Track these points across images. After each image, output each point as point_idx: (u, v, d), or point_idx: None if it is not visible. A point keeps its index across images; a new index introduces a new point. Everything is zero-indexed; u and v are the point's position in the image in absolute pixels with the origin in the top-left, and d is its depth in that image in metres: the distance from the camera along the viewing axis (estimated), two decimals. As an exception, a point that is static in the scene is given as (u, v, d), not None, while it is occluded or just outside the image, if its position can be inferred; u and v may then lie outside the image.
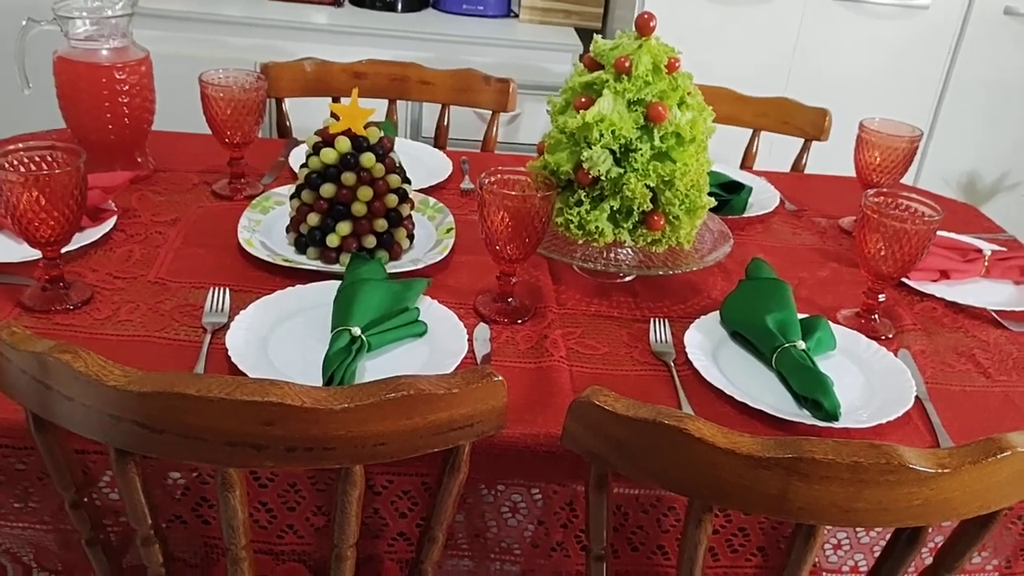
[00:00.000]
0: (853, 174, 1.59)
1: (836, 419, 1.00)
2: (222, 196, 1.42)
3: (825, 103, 1.88)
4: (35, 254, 1.10)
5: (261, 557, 1.00)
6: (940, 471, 0.77)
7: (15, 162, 1.03)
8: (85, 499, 0.91)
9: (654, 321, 1.18)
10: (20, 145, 1.05)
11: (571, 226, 1.19)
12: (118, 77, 1.34)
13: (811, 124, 1.86)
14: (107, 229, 1.25)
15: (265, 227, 1.31)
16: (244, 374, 0.97)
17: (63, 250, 1.11)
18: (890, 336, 1.22)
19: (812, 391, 1.02)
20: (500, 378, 0.82)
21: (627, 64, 1.15)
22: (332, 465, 0.80)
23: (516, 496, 0.99)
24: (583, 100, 1.18)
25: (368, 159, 1.21)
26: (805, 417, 1.01)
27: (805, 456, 0.76)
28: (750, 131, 1.92)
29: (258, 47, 2.41)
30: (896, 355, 1.16)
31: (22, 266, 1.14)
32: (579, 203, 1.19)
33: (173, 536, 0.98)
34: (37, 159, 1.05)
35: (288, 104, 1.84)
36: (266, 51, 2.38)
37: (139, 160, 1.44)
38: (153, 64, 1.41)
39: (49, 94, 1.37)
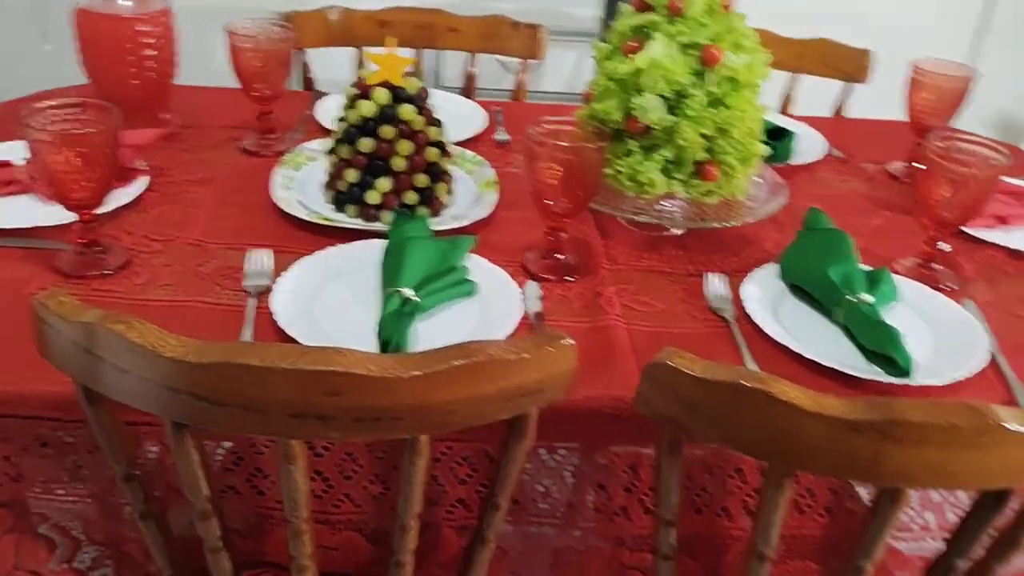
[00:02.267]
0: (894, 117, 1.54)
1: (908, 375, 0.96)
2: (251, 152, 1.37)
3: (859, 44, 1.81)
4: (68, 217, 1.06)
5: (317, 527, 0.97)
6: (1037, 431, 0.73)
7: (45, 121, 0.98)
8: (137, 472, 0.88)
9: (709, 276, 1.13)
10: (50, 103, 1.00)
11: (621, 178, 1.14)
12: (140, 29, 1.28)
13: (853, 65, 1.79)
14: (140, 190, 1.20)
15: (300, 184, 1.26)
16: (294, 339, 0.93)
17: (97, 211, 1.07)
18: (954, 287, 1.17)
19: (883, 346, 0.98)
20: (571, 342, 0.78)
21: (680, 5, 1.09)
22: (400, 435, 0.76)
23: (577, 460, 0.96)
24: (633, 44, 1.12)
25: (408, 111, 1.15)
26: (877, 374, 0.97)
27: (899, 419, 0.72)
28: (789, 74, 1.85)
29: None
30: (962, 306, 1.12)
31: (56, 230, 1.10)
32: (629, 153, 1.14)
33: (226, 506, 0.96)
34: (69, 117, 1.00)
35: (310, 54, 1.78)
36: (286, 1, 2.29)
37: (163, 116, 1.39)
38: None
39: (71, 48, 1.31)
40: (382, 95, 1.15)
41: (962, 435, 0.72)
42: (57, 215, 1.09)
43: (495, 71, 2.30)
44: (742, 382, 0.75)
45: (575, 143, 1.07)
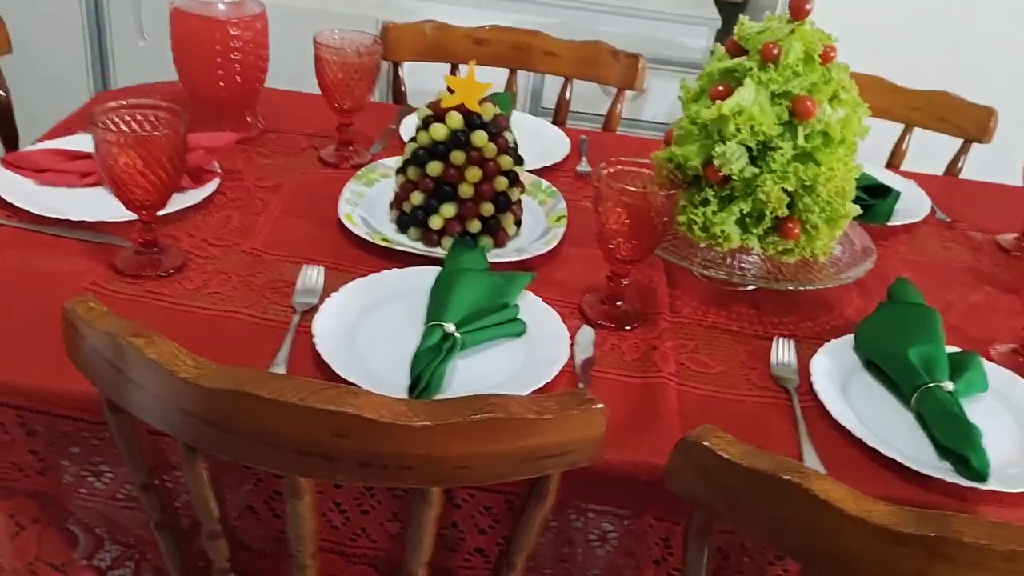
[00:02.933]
0: (1019, 183, 1.42)
1: (984, 479, 0.87)
2: (329, 163, 1.36)
3: (989, 99, 1.68)
4: (132, 214, 1.07)
5: (331, 557, 0.94)
6: (1120, 572, 0.64)
7: (116, 120, 0.99)
8: (156, 482, 0.87)
9: (777, 341, 1.06)
10: (123, 103, 1.01)
11: (694, 228, 1.08)
12: (232, 33, 1.29)
13: (973, 123, 1.67)
14: (209, 192, 1.21)
15: (368, 201, 1.24)
16: (328, 365, 0.91)
17: (161, 212, 1.07)
18: (1054, 381, 1.06)
19: (958, 443, 0.89)
20: (600, 405, 0.73)
21: (775, 51, 1.02)
22: (407, 485, 0.73)
23: (607, 525, 0.90)
24: (721, 89, 1.06)
25: (480, 138, 1.12)
26: (946, 472, 0.88)
27: (952, 536, 0.64)
28: (901, 126, 1.74)
29: (379, 4, 2.34)
30: (1059, 405, 1.01)
31: (121, 226, 1.11)
32: (705, 203, 1.08)
33: (244, 526, 0.94)
34: (140, 118, 1.01)
35: (407, 67, 1.77)
36: (387, 8, 2.31)
37: (248, 120, 1.40)
38: (270, 18, 1.36)
39: (167, 46, 1.34)
40: (455, 119, 1.12)
41: (1026, 565, 0.64)
42: (122, 211, 1.11)
43: (597, 95, 2.25)
44: (781, 474, 0.69)
45: (644, 188, 1.02)
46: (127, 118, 1.01)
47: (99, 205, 1.13)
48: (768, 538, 0.73)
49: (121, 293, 1.01)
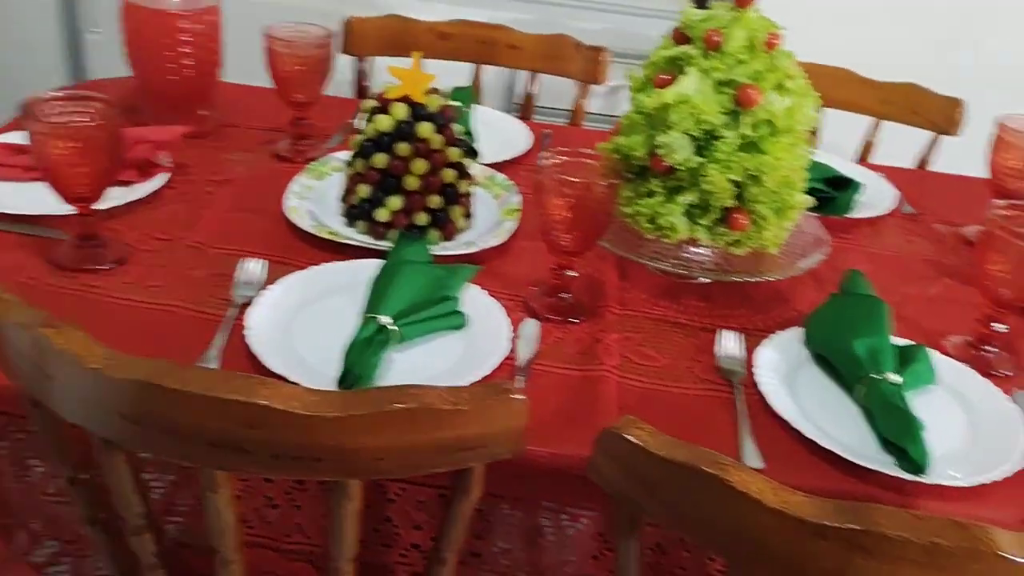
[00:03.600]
0: (986, 175, 1.40)
1: (923, 472, 0.85)
2: (283, 157, 1.35)
3: (964, 94, 1.66)
4: (73, 208, 1.06)
5: (268, 553, 0.93)
6: (1042, 565, 0.62)
7: (49, 112, 0.98)
8: (85, 476, 0.86)
9: (721, 332, 1.04)
10: (58, 94, 0.99)
11: (641, 219, 1.07)
12: (183, 26, 1.28)
13: (942, 116, 1.65)
14: (156, 186, 1.19)
15: (318, 194, 1.23)
16: (260, 357, 0.90)
17: (105, 206, 1.06)
18: (1007, 374, 1.05)
19: (899, 436, 0.87)
20: (521, 396, 0.72)
21: (718, 39, 1.01)
22: (321, 477, 0.72)
23: (543, 519, 0.89)
24: (665, 77, 1.04)
25: (425, 129, 1.11)
26: (888, 465, 0.87)
27: (872, 529, 0.63)
28: (872, 119, 1.73)
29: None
30: (1011, 397, 0.99)
31: (61, 219, 1.09)
32: (652, 194, 1.06)
33: (187, 523, 0.93)
34: (74, 110, 1.00)
35: (376, 64, 1.76)
36: (353, 3, 2.28)
37: (202, 114, 1.38)
38: (228, 12, 1.35)
39: (119, 39, 1.33)
40: (400, 110, 1.11)
41: (946, 558, 0.62)
42: (64, 205, 1.09)
43: (571, 90, 2.24)
44: (700, 465, 0.67)
45: (586, 179, 1.00)
46: (60, 111, 0.99)
47: (43, 200, 1.12)
48: (690, 532, 0.72)
49: (57, 287, 1.00)
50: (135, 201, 1.16)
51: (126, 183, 1.16)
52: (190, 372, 0.68)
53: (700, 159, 1.02)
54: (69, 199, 1.00)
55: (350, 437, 0.69)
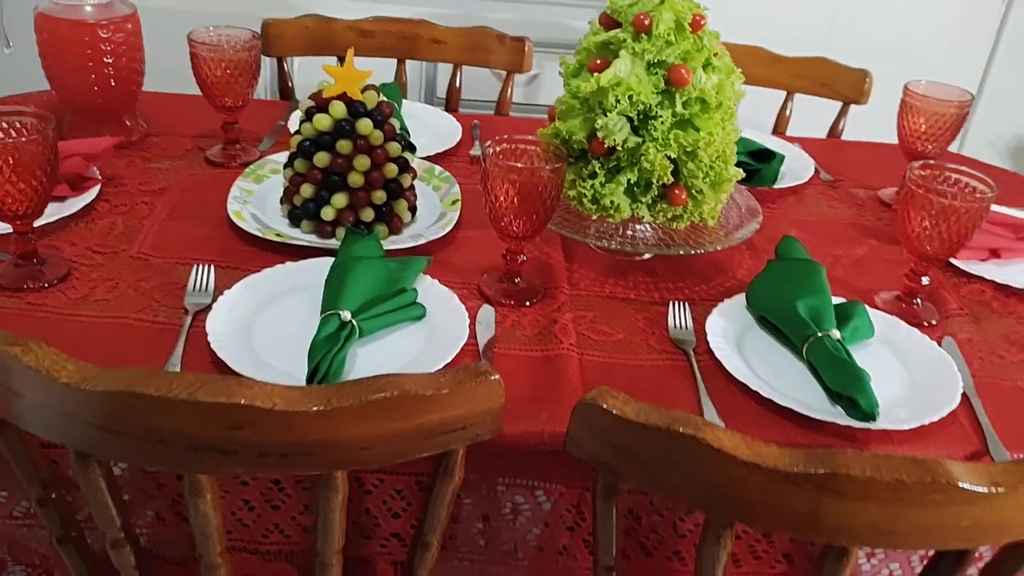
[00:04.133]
0: (895, 141, 1.48)
1: (873, 419, 0.91)
2: (216, 163, 1.33)
3: (867, 65, 1.75)
4: (5, 227, 1.03)
5: (247, 557, 0.93)
6: (994, 490, 0.68)
7: (-21, 129, 0.95)
8: (54, 495, 0.84)
9: (673, 305, 1.08)
10: (-15, 110, 0.97)
11: (584, 200, 1.10)
12: (102, 36, 1.25)
13: (851, 87, 1.73)
14: (89, 199, 1.17)
15: (259, 197, 1.22)
16: (224, 362, 0.89)
17: (39, 223, 1.04)
18: (934, 323, 1.12)
19: (847, 388, 0.92)
20: (497, 376, 0.74)
21: (647, 22, 1.04)
22: (309, 472, 0.72)
23: (519, 497, 0.91)
24: (598, 62, 1.07)
25: (366, 125, 1.11)
26: (838, 416, 0.92)
27: (840, 472, 0.67)
28: (783, 94, 1.80)
29: (257, 1, 2.29)
30: (940, 344, 1.06)
31: (-3, 240, 1.07)
32: (593, 175, 1.09)
33: (153, 534, 0.92)
34: (5, 125, 0.97)
35: (297, 63, 1.75)
36: (267, 6, 2.26)
37: (128, 124, 1.36)
38: (144, 20, 1.32)
39: (35, 53, 1.29)
40: (339, 109, 1.11)
41: (909, 492, 0.67)
42: (-2, 225, 1.07)
43: (490, 81, 2.26)
44: (675, 427, 0.70)
45: (531, 164, 1.03)
46: (-7, 126, 0.96)
47: (-29, 220, 1.09)
48: (669, 492, 0.75)
49: (2, 308, 0.97)
50: (69, 216, 1.13)
51: (59, 199, 1.13)
52: (169, 378, 0.68)
53: (638, 139, 1.06)
54: (6, 218, 0.97)
55: (336, 430, 0.70)
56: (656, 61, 1.04)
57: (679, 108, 1.05)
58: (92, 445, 0.71)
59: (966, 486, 0.67)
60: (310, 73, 1.80)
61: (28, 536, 0.93)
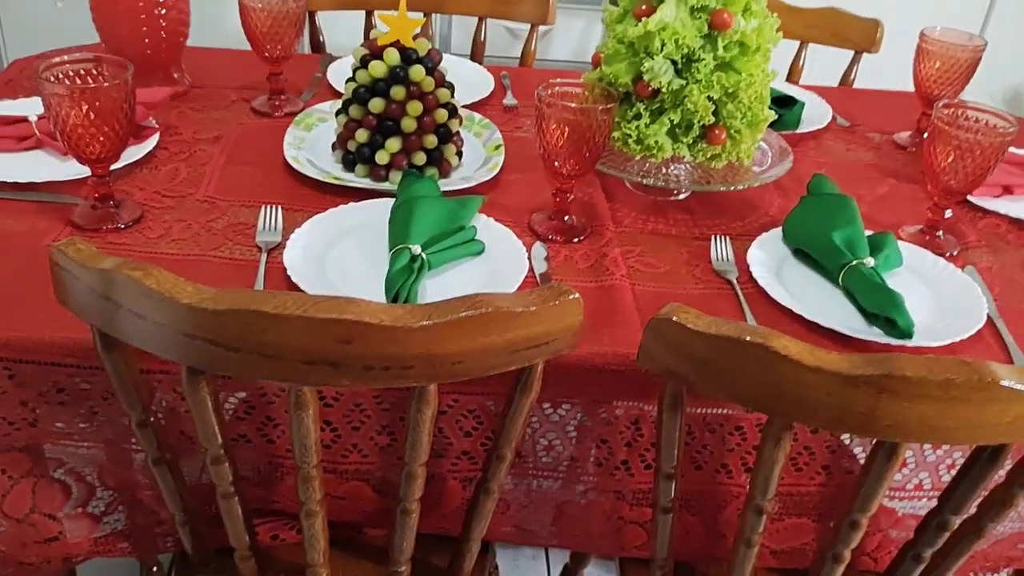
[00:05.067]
0: (902, 88, 1.54)
1: (910, 337, 0.98)
2: (262, 113, 1.38)
3: (868, 15, 1.81)
4: (81, 172, 1.08)
5: (325, 476, 0.99)
6: (1032, 388, 0.75)
7: (60, 75, 0.99)
8: (151, 419, 0.90)
9: (715, 238, 1.15)
10: (65, 58, 1.01)
11: (629, 141, 1.15)
12: (153, -11, 1.29)
13: (863, 36, 1.79)
14: (151, 147, 1.21)
15: (310, 144, 1.27)
16: (305, 293, 0.95)
17: (111, 168, 1.08)
18: (955, 253, 1.19)
19: (884, 308, 0.99)
20: (576, 295, 0.80)
21: (691, -32, 1.10)
22: (409, 384, 0.78)
23: (581, 415, 0.98)
24: (644, 7, 1.12)
25: (418, 72, 1.16)
26: (877, 335, 0.99)
27: (896, 373, 0.74)
28: (796, 44, 1.86)
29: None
30: (963, 272, 1.13)
31: (69, 184, 1.11)
32: (638, 116, 1.15)
33: (236, 455, 0.98)
34: (83, 72, 1.01)
35: (319, 18, 1.78)
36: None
37: (175, 76, 1.40)
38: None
39: (84, 7, 1.32)
40: (393, 56, 1.16)
41: (957, 390, 0.74)
42: (70, 170, 1.11)
43: (503, 39, 2.30)
44: (744, 337, 0.77)
45: (583, 105, 1.08)
46: (71, 73, 1.01)
47: (42, 167, 1.13)
48: (736, 397, 0.82)
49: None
50: (133, 163, 1.18)
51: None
52: (285, 297, 0.73)
53: (681, 81, 1.11)
54: (86, 161, 1.02)
55: (435, 344, 0.76)
56: (699, 6, 1.10)
57: (721, 51, 1.10)
58: (209, 362, 0.77)
59: (1008, 384, 0.74)
60: (331, 29, 1.84)
61: (118, 462, 0.99)
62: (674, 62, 1.11)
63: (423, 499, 1.00)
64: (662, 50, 1.09)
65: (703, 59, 1.10)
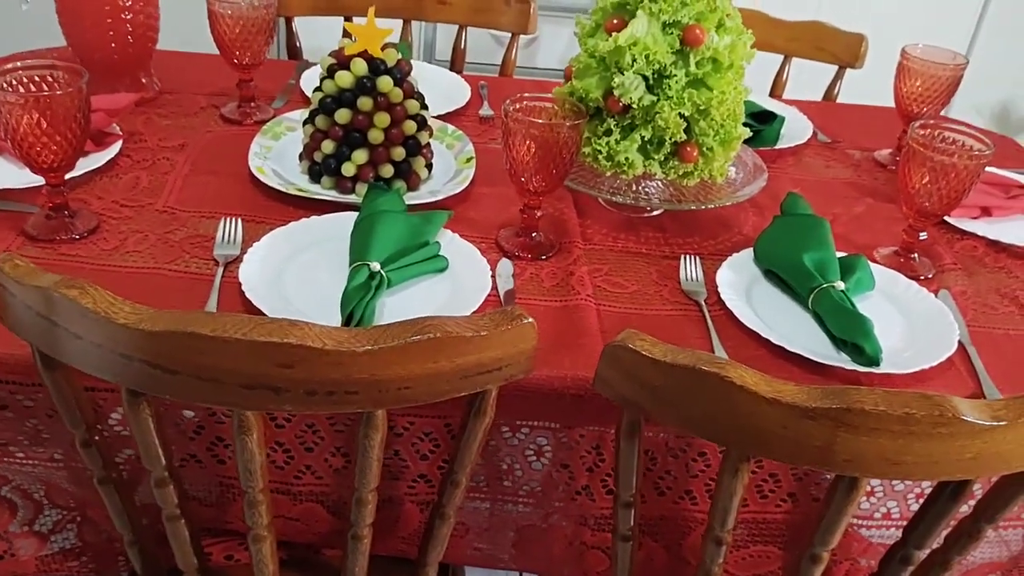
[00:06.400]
0: (887, 104, 1.52)
1: (877, 364, 0.96)
2: (231, 120, 1.36)
3: (856, 29, 1.79)
4: (36, 180, 1.05)
5: (278, 497, 0.97)
6: (995, 423, 0.73)
7: (14, 82, 0.97)
8: (96, 437, 0.88)
9: (685, 258, 1.13)
10: (19, 64, 0.98)
11: (599, 157, 1.13)
12: (120, -8, 1.26)
13: (846, 50, 1.77)
14: (112, 154, 1.19)
15: (277, 154, 1.25)
16: (258, 309, 0.93)
17: (67, 176, 1.06)
18: (930, 276, 1.17)
19: (852, 334, 0.97)
20: (530, 320, 0.77)
21: (663, -17, 1.08)
22: (354, 409, 0.76)
23: (541, 439, 0.96)
24: (615, 21, 1.10)
25: (385, 83, 1.14)
26: (844, 361, 0.97)
27: (854, 407, 0.72)
28: (780, 57, 1.84)
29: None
30: (936, 296, 1.11)
31: (25, 192, 1.09)
32: (608, 132, 1.13)
33: (187, 475, 0.96)
34: (37, 79, 0.99)
35: (297, 24, 1.76)
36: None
37: (144, 81, 1.37)
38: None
39: (50, 10, 1.30)
40: (360, 66, 1.14)
41: (917, 425, 0.72)
42: (27, 177, 1.09)
43: (489, 45, 2.28)
44: (700, 366, 0.75)
45: (550, 120, 1.06)
46: (25, 79, 0.98)
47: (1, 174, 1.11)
48: (692, 427, 0.80)
49: (36, 258, 1.00)
50: (93, 171, 1.16)
51: (83, 153, 1.15)
52: (224, 319, 0.71)
53: (653, 97, 1.09)
54: (39, 170, 1.00)
55: (380, 369, 0.73)
56: (671, 21, 1.08)
57: (693, 67, 1.08)
58: (147, 383, 0.75)
59: (970, 419, 0.72)
60: (310, 33, 1.82)
61: (65, 479, 0.97)
62: (645, 78, 1.09)
63: (380, 522, 0.98)
64: (633, 65, 1.07)
65: (675, 75, 1.08)
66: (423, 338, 0.73)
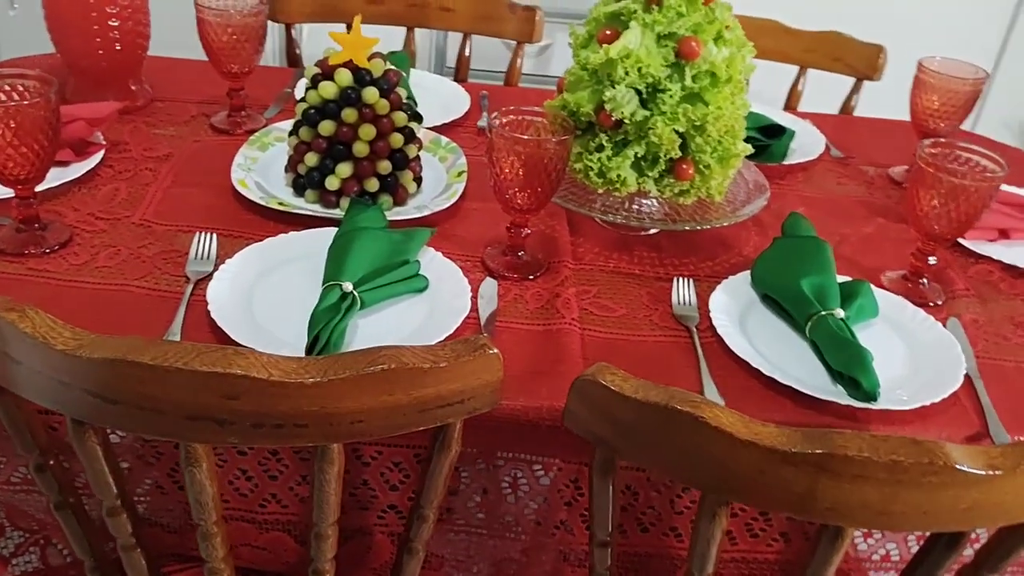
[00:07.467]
0: (907, 118, 1.46)
1: (875, 399, 0.90)
2: (221, 130, 1.33)
3: (880, 40, 1.72)
4: (8, 191, 1.03)
5: (243, 525, 0.93)
6: (991, 473, 0.67)
7: (-19, 92, 0.95)
8: (51, 462, 0.85)
9: (677, 281, 1.07)
10: (-13, 73, 0.96)
11: (591, 173, 1.09)
12: (109, -1, 1.24)
13: (864, 61, 1.71)
14: (92, 165, 1.16)
15: (263, 165, 1.21)
16: (224, 331, 0.89)
17: (41, 187, 1.03)
18: (939, 303, 1.10)
19: (849, 367, 0.92)
20: (495, 351, 0.73)
21: (658, -7, 1.03)
22: (303, 444, 0.72)
23: (517, 471, 0.91)
24: (608, 33, 1.06)
25: (371, 94, 1.10)
26: (840, 395, 0.91)
27: (836, 452, 0.66)
28: (796, 68, 1.78)
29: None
30: (945, 325, 1.05)
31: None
32: (600, 148, 1.08)
33: (150, 502, 0.92)
34: (7, 88, 0.96)
35: (306, 31, 1.73)
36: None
37: (133, 89, 1.35)
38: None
39: (39, 15, 1.28)
40: (344, 76, 1.10)
41: (906, 473, 0.67)
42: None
43: (500, 53, 2.24)
44: (673, 404, 0.70)
45: (538, 136, 1.02)
46: (-7, 89, 0.96)
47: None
48: (666, 469, 0.75)
49: (3, 273, 0.97)
50: (72, 181, 1.13)
51: (62, 163, 1.13)
52: (165, 347, 0.67)
53: (646, 112, 1.04)
54: (7, 182, 0.97)
55: (331, 401, 0.69)
56: (666, 33, 1.03)
57: (688, 82, 1.03)
58: (88, 413, 0.71)
59: (963, 468, 0.66)
60: (319, 41, 1.79)
61: (26, 502, 0.94)
62: (639, 91, 1.04)
63: (350, 554, 0.94)
64: (625, 79, 1.02)
65: (669, 89, 1.03)
66: (376, 369, 0.69)
